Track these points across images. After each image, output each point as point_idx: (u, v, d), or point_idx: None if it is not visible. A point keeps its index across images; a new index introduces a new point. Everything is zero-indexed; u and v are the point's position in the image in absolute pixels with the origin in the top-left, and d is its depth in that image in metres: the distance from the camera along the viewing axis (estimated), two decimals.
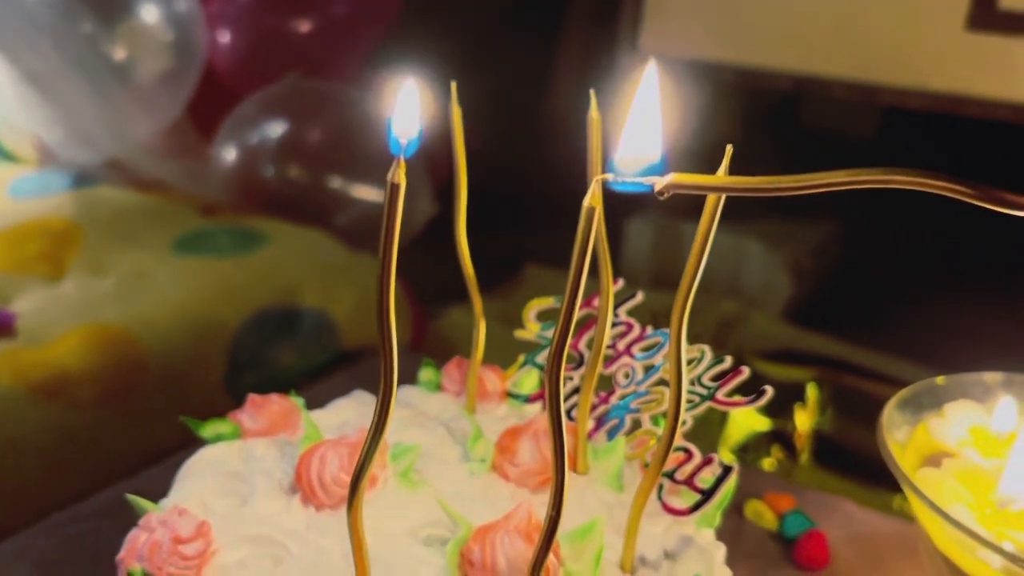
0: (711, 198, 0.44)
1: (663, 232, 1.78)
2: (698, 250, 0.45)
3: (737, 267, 1.71)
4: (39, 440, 1.15)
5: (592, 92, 0.54)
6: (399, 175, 0.39)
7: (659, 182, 0.38)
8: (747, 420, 1.30)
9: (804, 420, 1.32)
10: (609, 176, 0.41)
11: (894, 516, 0.90)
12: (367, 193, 1.66)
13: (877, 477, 1.21)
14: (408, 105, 0.39)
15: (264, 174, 1.65)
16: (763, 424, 1.31)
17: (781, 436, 1.30)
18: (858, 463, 1.26)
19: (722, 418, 1.30)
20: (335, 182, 1.66)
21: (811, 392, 1.36)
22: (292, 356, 1.43)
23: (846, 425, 1.33)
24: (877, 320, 1.57)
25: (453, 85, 0.59)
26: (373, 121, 1.67)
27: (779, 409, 1.35)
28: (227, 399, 1.35)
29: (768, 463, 1.25)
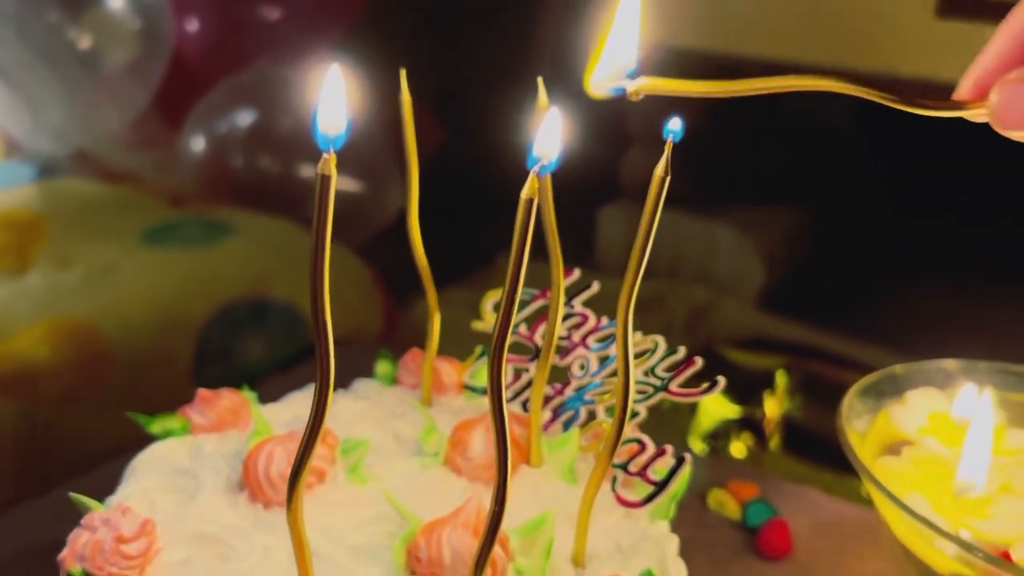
0: (654, 186, 0.43)
1: (637, 220, 1.77)
2: (643, 237, 0.44)
3: (708, 255, 1.71)
4: (1, 435, 1.14)
5: (540, 80, 0.53)
6: (329, 167, 0.38)
7: (631, 85, 0.41)
8: (717, 408, 1.30)
9: (773, 407, 1.32)
10: (543, 163, 0.40)
11: (859, 504, 0.90)
12: (338, 183, 1.64)
13: (846, 463, 1.21)
14: (333, 95, 0.39)
15: (233, 164, 1.63)
16: (733, 411, 1.31)
17: (751, 423, 1.30)
18: (827, 450, 1.26)
19: (692, 406, 1.30)
20: (305, 172, 1.65)
21: (780, 379, 1.36)
22: (261, 349, 1.42)
23: (816, 412, 1.33)
24: (849, 308, 1.57)
25: (403, 72, 0.58)
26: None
27: (749, 396, 1.35)
28: (195, 393, 1.34)
29: (737, 448, 1.25)
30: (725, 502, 0.84)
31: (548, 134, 0.41)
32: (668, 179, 0.43)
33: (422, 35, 1.72)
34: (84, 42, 1.65)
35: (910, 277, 1.54)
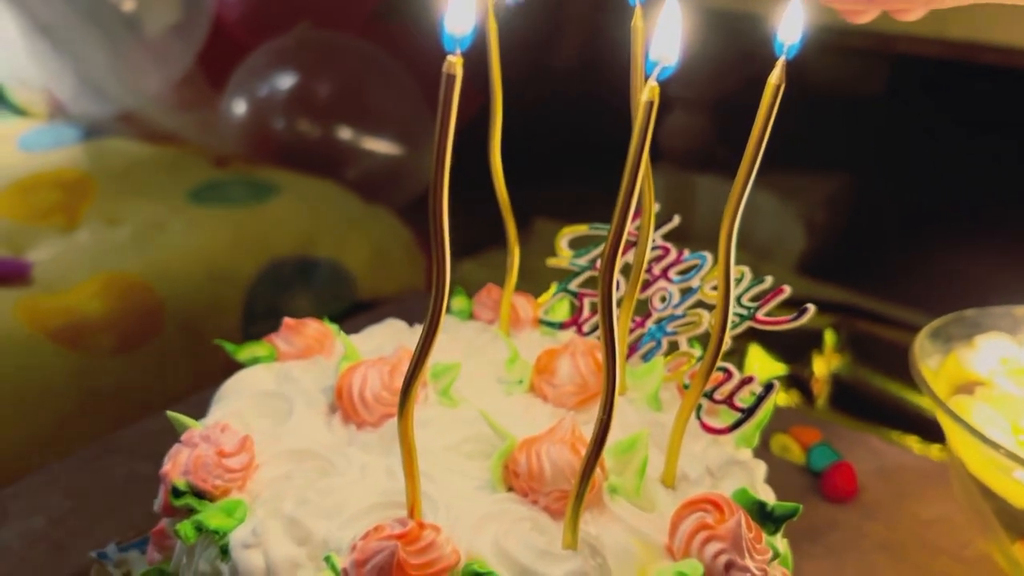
0: (767, 96, 0.43)
1: (676, 183, 1.77)
2: (752, 149, 0.44)
3: (750, 220, 1.70)
4: (59, 385, 1.15)
5: (638, 4, 0.53)
6: (455, 67, 0.38)
7: None
8: (764, 366, 1.30)
9: (822, 365, 1.32)
10: (662, 67, 0.40)
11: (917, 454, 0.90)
12: (379, 145, 1.65)
13: (893, 421, 1.21)
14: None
15: (275, 125, 1.64)
16: (779, 370, 1.31)
17: (798, 381, 1.30)
18: (874, 408, 1.27)
19: (738, 364, 1.31)
20: (345, 134, 1.65)
21: (828, 338, 1.35)
22: (308, 306, 1.43)
23: (862, 371, 1.33)
24: (891, 269, 1.57)
25: None
26: (383, 72, 1.66)
27: (794, 356, 1.35)
28: None
29: (783, 398, 1.25)
30: (789, 446, 0.85)
31: (666, 33, 0.41)
32: (782, 88, 0.43)
33: None
34: (128, 4, 1.66)
35: (950, 237, 1.53)
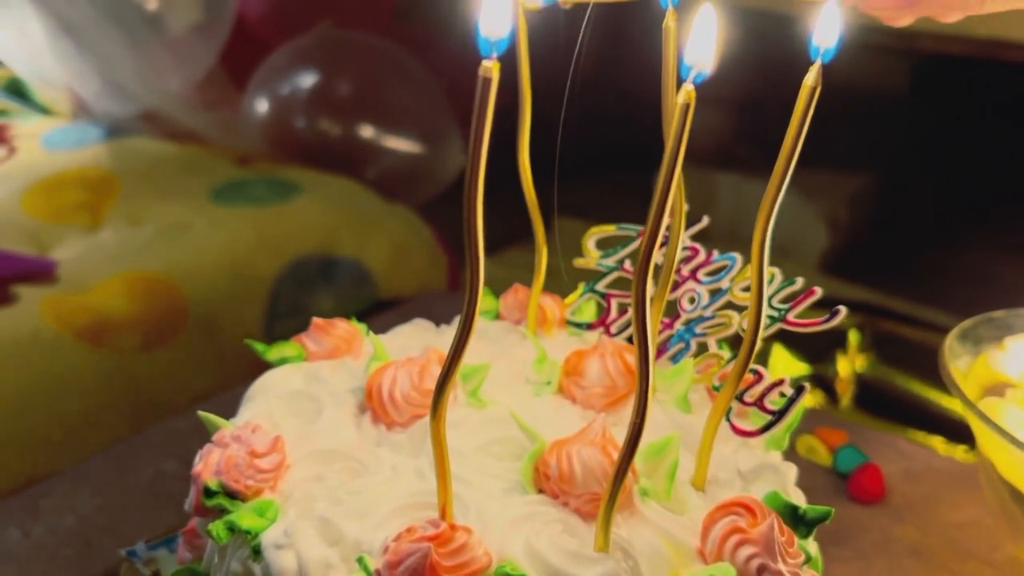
0: (803, 97, 0.43)
1: (698, 185, 1.76)
2: (787, 150, 0.44)
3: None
4: (84, 383, 1.16)
5: (670, 5, 0.53)
6: (491, 70, 0.38)
7: None
8: (787, 366, 1.29)
9: (846, 365, 1.31)
10: (696, 72, 0.40)
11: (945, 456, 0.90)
12: (400, 144, 1.66)
13: (917, 422, 1.20)
14: (496, 2, 0.39)
15: (297, 124, 1.64)
16: (801, 370, 1.30)
17: (822, 381, 1.29)
18: (898, 409, 1.26)
19: (761, 364, 1.30)
20: (367, 132, 1.65)
21: (853, 337, 1.35)
22: (329, 304, 1.43)
23: (886, 371, 1.32)
24: (914, 268, 1.56)
25: None
26: (404, 71, 1.66)
27: (818, 356, 1.34)
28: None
29: (808, 399, 1.25)
30: (815, 448, 0.85)
31: (700, 38, 0.41)
32: (818, 90, 0.43)
33: None
34: (151, 3, 1.66)
35: (975, 239, 1.52)
